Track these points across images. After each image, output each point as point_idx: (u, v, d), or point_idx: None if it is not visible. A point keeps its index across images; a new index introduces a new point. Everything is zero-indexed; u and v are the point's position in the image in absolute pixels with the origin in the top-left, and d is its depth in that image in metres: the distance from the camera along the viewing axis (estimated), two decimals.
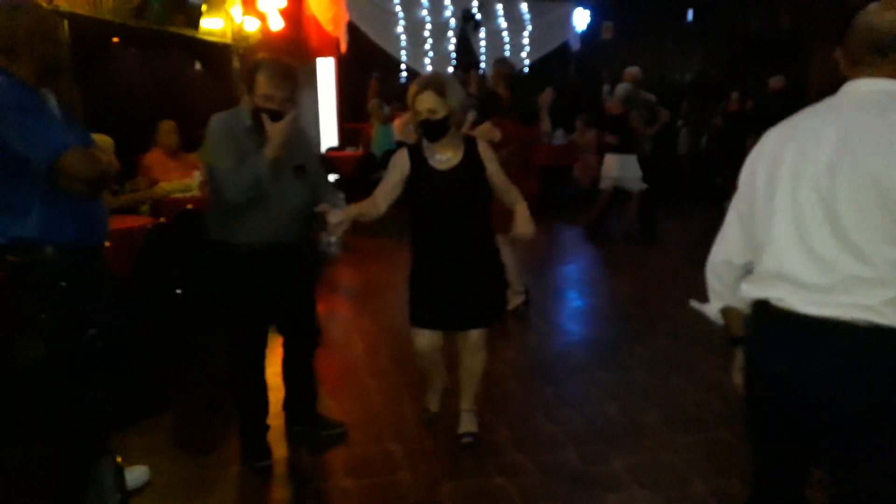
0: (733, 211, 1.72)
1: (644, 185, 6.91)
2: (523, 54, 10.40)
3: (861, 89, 1.54)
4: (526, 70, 10.26)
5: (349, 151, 8.91)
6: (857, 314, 1.44)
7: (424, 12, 9.49)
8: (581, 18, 10.81)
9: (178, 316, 3.89)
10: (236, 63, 7.21)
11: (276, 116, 2.61)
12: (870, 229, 1.43)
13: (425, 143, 2.81)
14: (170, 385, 3.65)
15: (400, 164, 2.85)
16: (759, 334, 1.65)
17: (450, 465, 2.90)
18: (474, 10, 9.92)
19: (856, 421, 1.48)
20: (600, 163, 7.31)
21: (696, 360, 3.93)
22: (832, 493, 1.59)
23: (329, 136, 9.78)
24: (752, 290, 1.63)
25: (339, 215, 2.70)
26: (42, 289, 2.29)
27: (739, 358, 1.76)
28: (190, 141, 5.05)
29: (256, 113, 2.65)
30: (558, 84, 8.55)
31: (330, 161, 7.86)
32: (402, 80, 10.10)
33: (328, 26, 8.20)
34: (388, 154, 7.03)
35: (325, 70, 9.57)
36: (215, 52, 7.04)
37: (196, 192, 4.65)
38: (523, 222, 2.84)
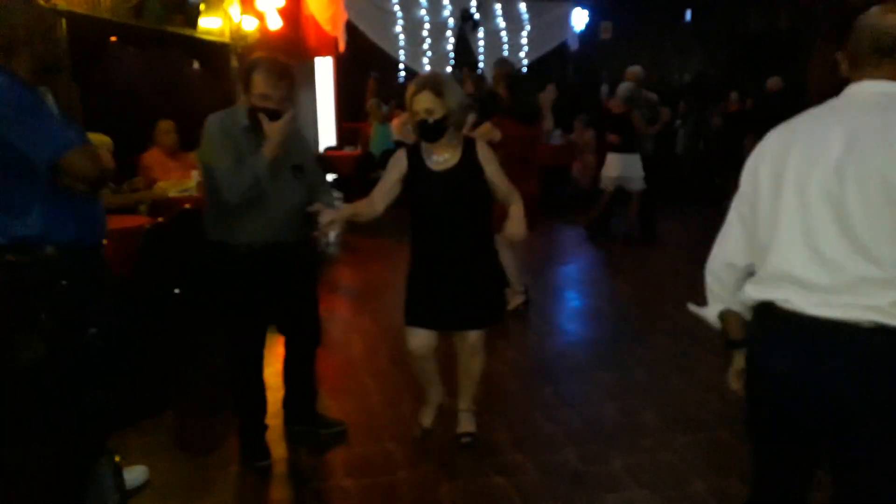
0: (734, 212, 1.71)
1: (644, 185, 6.90)
2: (522, 54, 10.41)
3: (865, 91, 1.54)
4: (524, 70, 10.25)
5: (347, 151, 8.91)
6: (864, 315, 1.44)
7: (423, 12, 9.49)
8: (579, 18, 10.81)
9: (178, 316, 3.88)
10: (235, 62, 7.20)
11: (273, 116, 2.61)
12: (879, 229, 1.43)
13: (423, 143, 2.80)
14: (169, 385, 3.64)
15: (398, 165, 2.85)
16: (762, 336, 1.64)
17: (449, 465, 2.90)
18: (473, 10, 9.92)
19: (861, 422, 1.48)
20: (599, 163, 7.31)
21: (696, 360, 3.93)
22: (833, 494, 1.59)
23: (327, 136, 9.78)
24: (756, 292, 1.62)
25: (330, 215, 2.70)
26: (42, 288, 2.28)
27: (737, 361, 1.74)
28: (188, 140, 5.05)
29: (253, 112, 2.64)
30: (557, 84, 8.57)
31: (328, 160, 7.85)
32: (401, 80, 10.10)
33: (326, 26, 8.20)
34: (387, 153, 7.06)
35: (324, 69, 9.57)
36: (214, 52, 7.03)
37: (194, 192, 4.64)
38: (516, 223, 2.83)
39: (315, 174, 2.99)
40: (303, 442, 3.10)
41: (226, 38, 7.18)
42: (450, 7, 9.70)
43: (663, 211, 7.37)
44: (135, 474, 2.71)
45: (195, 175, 4.78)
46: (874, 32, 1.53)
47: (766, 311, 1.60)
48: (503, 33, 10.27)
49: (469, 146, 2.82)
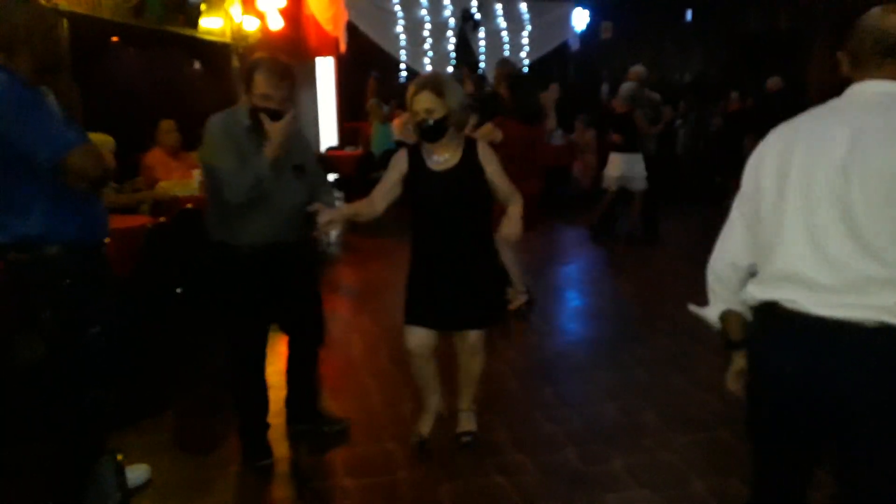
0: (736, 212, 1.70)
1: (646, 185, 6.89)
2: (522, 54, 10.41)
3: (868, 91, 1.54)
4: (525, 70, 10.25)
5: (348, 151, 8.91)
6: (871, 315, 1.43)
7: (424, 12, 9.49)
8: (580, 18, 10.81)
9: (178, 316, 3.89)
10: (236, 62, 7.21)
11: (275, 116, 2.61)
12: (885, 229, 1.43)
13: (424, 143, 2.80)
14: (170, 385, 3.65)
15: (399, 165, 2.84)
16: (765, 336, 1.63)
17: (449, 465, 2.90)
18: (473, 10, 9.92)
19: (863, 421, 1.48)
20: (600, 163, 7.30)
21: (696, 360, 3.93)
22: (835, 494, 1.59)
23: (328, 136, 9.78)
24: (759, 292, 1.61)
25: (329, 214, 2.69)
26: (44, 287, 2.29)
27: (737, 362, 1.73)
28: (190, 140, 5.05)
29: (255, 112, 2.64)
30: (545, 87, 8.57)
31: (329, 160, 7.86)
32: (402, 80, 10.10)
33: (327, 26, 8.21)
34: (388, 153, 7.06)
35: (325, 69, 9.58)
36: (214, 52, 7.03)
37: (196, 192, 4.64)
38: (512, 223, 2.80)
39: (316, 174, 3.00)
40: (305, 441, 3.10)
41: (227, 39, 7.18)
42: (450, 7, 9.70)
43: (664, 211, 7.36)
44: (136, 473, 2.71)
45: (196, 175, 4.79)
46: (876, 33, 1.53)
47: (769, 311, 1.59)
48: (504, 33, 10.27)
49: (470, 146, 2.81)
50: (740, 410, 1.77)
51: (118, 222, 3.43)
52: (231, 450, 3.00)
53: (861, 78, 1.56)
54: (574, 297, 5.56)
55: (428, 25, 9.55)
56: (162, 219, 3.93)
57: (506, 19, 10.26)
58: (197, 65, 7.02)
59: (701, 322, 1.83)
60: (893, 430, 1.47)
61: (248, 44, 7.27)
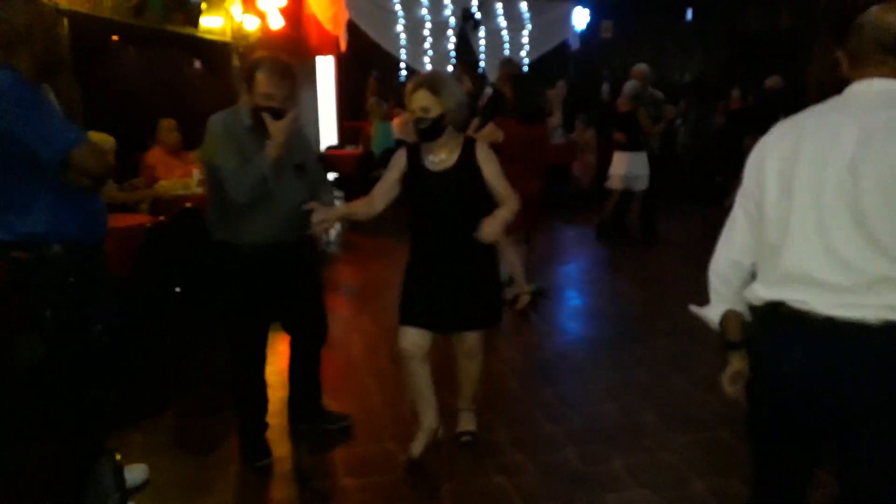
0: (739, 210, 1.68)
1: (648, 185, 6.87)
2: (523, 53, 10.39)
3: (872, 90, 1.53)
4: (525, 69, 10.24)
5: (349, 150, 8.91)
6: (883, 315, 1.43)
7: (424, 11, 9.48)
8: (580, 17, 10.79)
9: (178, 315, 3.89)
10: (236, 61, 7.20)
11: (277, 115, 2.61)
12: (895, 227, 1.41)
13: (422, 142, 2.78)
14: (169, 385, 3.65)
15: (398, 164, 2.81)
16: (770, 336, 1.61)
17: (449, 465, 2.90)
18: (474, 9, 9.91)
19: (868, 421, 1.48)
20: (600, 162, 7.28)
21: (696, 359, 3.93)
22: (837, 494, 1.59)
23: (328, 135, 9.78)
24: (765, 292, 1.60)
25: (322, 213, 2.68)
26: (48, 286, 2.28)
27: (734, 364, 1.70)
28: (190, 139, 5.05)
29: (256, 112, 2.64)
30: (551, 84, 8.56)
31: (329, 159, 7.85)
32: (402, 79, 10.09)
33: (328, 25, 8.19)
34: (388, 152, 7.05)
35: (325, 69, 9.57)
36: (215, 51, 7.02)
37: (195, 191, 4.64)
38: (492, 223, 2.66)
39: (316, 173, 3.00)
40: (307, 440, 3.10)
41: (227, 38, 7.17)
42: (451, 6, 9.69)
43: (664, 211, 7.36)
44: (135, 473, 2.71)
45: (196, 174, 4.79)
46: (876, 31, 1.52)
47: (774, 312, 1.58)
48: (504, 32, 10.25)
49: (468, 147, 2.75)
50: (741, 410, 1.76)
51: (117, 221, 3.43)
52: (231, 450, 3.00)
53: (861, 76, 1.56)
54: (574, 296, 5.55)
55: (428, 24, 9.53)
56: (161, 218, 3.93)
57: (506, 18, 10.24)
58: (197, 64, 7.02)
59: (701, 322, 1.82)
60: (894, 429, 1.47)
61: (249, 43, 7.26)
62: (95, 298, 2.39)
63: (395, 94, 8.87)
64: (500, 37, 10.23)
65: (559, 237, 7.61)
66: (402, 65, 9.82)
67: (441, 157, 2.73)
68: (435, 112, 2.63)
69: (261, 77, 2.60)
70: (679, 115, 9.57)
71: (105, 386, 2.47)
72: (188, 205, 4.09)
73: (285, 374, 3.23)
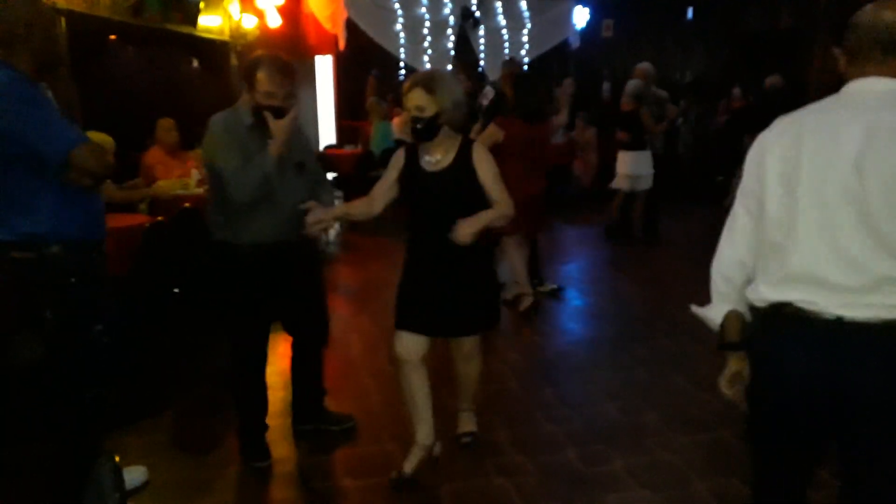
0: (741, 208, 1.67)
1: (650, 184, 6.85)
2: (523, 52, 10.38)
3: (873, 88, 1.53)
4: (525, 68, 10.23)
5: (348, 149, 8.90)
6: (888, 315, 1.42)
7: (423, 10, 9.46)
8: (581, 16, 10.78)
9: (178, 315, 3.88)
10: (234, 60, 7.19)
11: (278, 113, 2.60)
12: None
13: (418, 142, 2.73)
14: (169, 385, 3.64)
15: (397, 163, 2.79)
16: (774, 337, 1.60)
17: (449, 465, 2.89)
18: (473, 8, 9.89)
19: (869, 421, 1.47)
20: (600, 161, 7.26)
21: (696, 360, 3.92)
22: (838, 494, 1.58)
23: (327, 134, 9.76)
24: (770, 293, 1.58)
25: (318, 213, 2.67)
26: (48, 286, 2.27)
27: (733, 365, 1.69)
28: (189, 139, 5.04)
29: (257, 110, 2.63)
30: (558, 83, 8.55)
31: (328, 159, 7.84)
32: (401, 78, 10.07)
33: (326, 24, 8.18)
34: (387, 152, 7.05)
35: (324, 68, 9.56)
36: (213, 50, 7.02)
37: (194, 191, 4.63)
38: (471, 222, 2.54)
39: (316, 172, 2.99)
40: (311, 440, 3.10)
41: (225, 37, 7.16)
42: (450, 5, 9.67)
43: (665, 210, 7.35)
44: (134, 474, 2.70)
45: (195, 174, 4.78)
46: (876, 29, 1.51)
47: (779, 312, 1.56)
48: (504, 31, 10.24)
49: (465, 147, 2.70)
50: (741, 411, 1.76)
51: (116, 221, 3.43)
52: (231, 450, 2.99)
53: (860, 75, 1.55)
54: (574, 296, 5.54)
55: (427, 23, 9.52)
56: (160, 218, 3.92)
57: (506, 17, 10.22)
58: (195, 63, 7.01)
59: (701, 322, 1.81)
60: (893, 430, 1.47)
61: (247, 42, 7.24)
62: (95, 298, 2.39)
63: (394, 94, 8.86)
64: (500, 35, 10.21)
65: (560, 237, 7.60)
66: (402, 64, 9.81)
67: (437, 158, 2.69)
68: (430, 111, 2.58)
69: (262, 76, 2.59)
70: (680, 115, 9.56)
71: (105, 386, 2.47)
72: (187, 205, 4.08)
73: (286, 375, 3.22)
